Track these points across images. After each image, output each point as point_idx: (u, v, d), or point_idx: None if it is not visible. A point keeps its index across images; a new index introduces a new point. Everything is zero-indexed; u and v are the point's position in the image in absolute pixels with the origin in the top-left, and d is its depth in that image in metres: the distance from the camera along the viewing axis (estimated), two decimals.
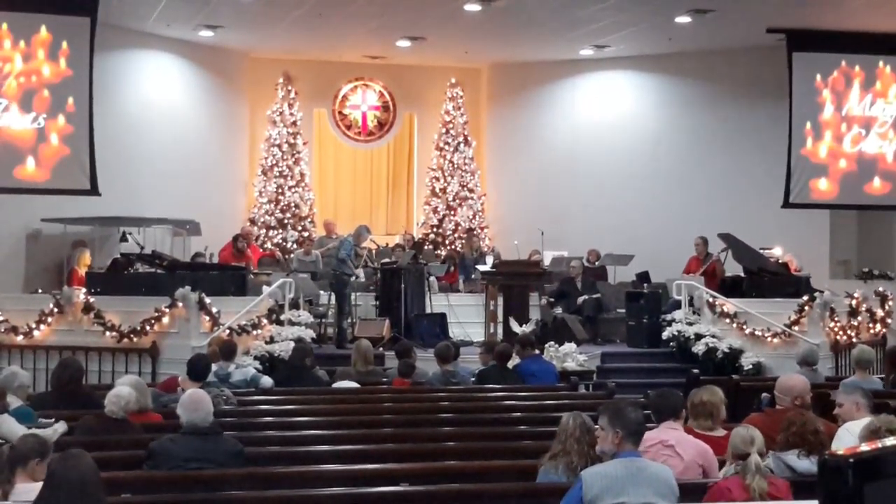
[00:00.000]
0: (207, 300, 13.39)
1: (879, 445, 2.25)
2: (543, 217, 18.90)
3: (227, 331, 13.23)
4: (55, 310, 13.93)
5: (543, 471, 6.11)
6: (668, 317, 15.42)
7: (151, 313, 13.41)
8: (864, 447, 2.28)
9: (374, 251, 17.67)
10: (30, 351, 13.78)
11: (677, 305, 15.51)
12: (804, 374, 9.56)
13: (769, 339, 14.43)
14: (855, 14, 16.71)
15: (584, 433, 6.00)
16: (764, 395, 9.69)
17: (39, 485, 5.28)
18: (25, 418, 7.73)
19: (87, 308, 13.72)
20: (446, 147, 20.98)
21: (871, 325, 15.43)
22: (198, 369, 9.51)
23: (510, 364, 11.81)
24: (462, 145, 20.99)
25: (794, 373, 8.76)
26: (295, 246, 19.39)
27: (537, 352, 12.32)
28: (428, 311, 16.18)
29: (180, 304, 13.35)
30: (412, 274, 15.99)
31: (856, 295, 15.35)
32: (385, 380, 11.35)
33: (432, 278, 17.17)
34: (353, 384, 10.82)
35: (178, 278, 13.94)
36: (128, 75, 18.12)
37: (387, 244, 19.07)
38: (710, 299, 15.11)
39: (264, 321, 14.02)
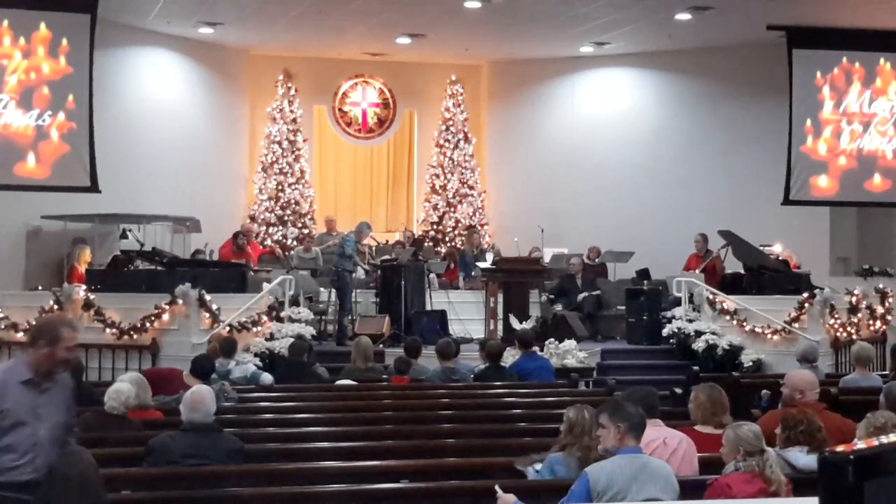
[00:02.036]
0: (207, 297, 13.39)
1: (880, 442, 2.25)
2: (543, 214, 18.90)
3: (228, 328, 13.23)
4: (55, 307, 13.93)
5: (553, 461, 6.18)
6: (668, 314, 15.41)
7: (151, 310, 13.41)
8: (864, 444, 2.28)
9: (374, 248, 17.67)
10: None
11: (677, 302, 15.51)
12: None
13: (769, 336, 14.43)
14: (855, 11, 16.71)
15: (593, 426, 6.01)
16: (764, 391, 9.70)
17: None
18: None
19: (88, 305, 13.72)
20: (446, 144, 20.97)
21: (870, 321, 15.43)
22: (202, 368, 9.53)
23: (510, 361, 11.83)
24: (462, 142, 20.98)
25: (799, 369, 8.74)
26: (295, 243, 19.39)
27: (535, 349, 12.32)
28: (428, 308, 16.19)
29: (180, 301, 13.35)
30: (412, 271, 15.98)
31: (856, 292, 15.35)
32: (385, 377, 11.35)
33: (432, 275, 17.17)
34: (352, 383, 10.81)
35: (178, 275, 13.93)
36: (128, 72, 18.11)
37: (387, 241, 19.08)
38: (711, 296, 15.11)
39: (264, 318, 14.02)
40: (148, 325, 13.39)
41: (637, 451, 5.43)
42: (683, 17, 17.03)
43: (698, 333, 14.65)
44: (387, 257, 16.63)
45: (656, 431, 6.26)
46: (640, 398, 6.45)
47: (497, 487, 5.50)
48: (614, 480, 5.25)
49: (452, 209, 20.75)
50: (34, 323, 5.69)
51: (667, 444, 6.20)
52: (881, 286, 16.05)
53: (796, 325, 14.35)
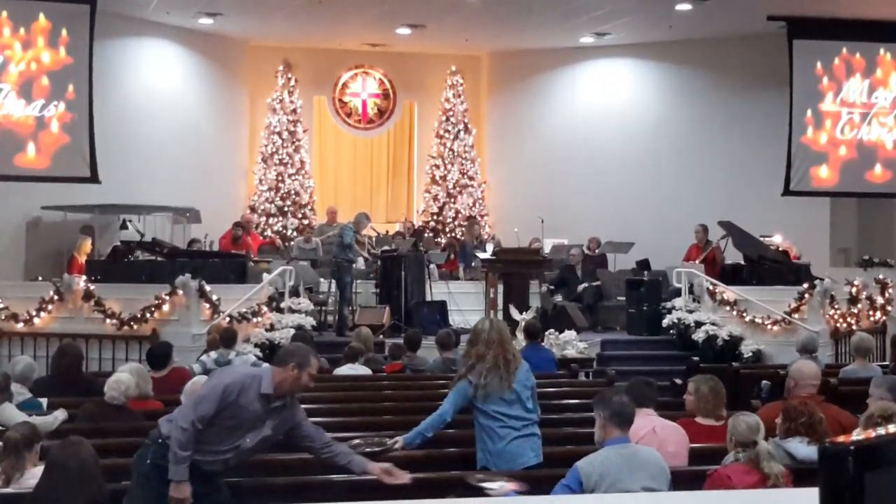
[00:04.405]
0: (207, 288, 13.39)
1: (881, 432, 2.25)
2: (543, 205, 18.89)
3: (228, 318, 13.23)
4: (55, 297, 13.93)
5: (463, 386, 6.49)
6: (668, 304, 15.41)
7: (152, 301, 13.40)
8: (864, 435, 2.27)
9: (373, 239, 17.67)
10: (30, 338, 13.79)
11: (677, 293, 15.51)
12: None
13: (769, 326, 14.43)
14: (855, 1, 16.70)
15: (502, 337, 6.57)
16: (764, 382, 9.70)
17: (34, 471, 5.31)
18: (33, 409, 7.78)
19: (88, 296, 13.72)
20: (446, 135, 20.97)
21: (871, 312, 15.44)
22: (156, 358, 9.54)
23: None
24: (462, 133, 20.97)
25: (800, 360, 8.73)
26: (295, 234, 19.40)
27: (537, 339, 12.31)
28: (428, 298, 16.18)
29: (180, 292, 13.35)
30: (412, 262, 15.98)
31: (856, 282, 15.36)
32: (383, 367, 11.34)
33: (432, 266, 17.17)
34: (363, 369, 10.78)
35: (179, 266, 13.94)
36: (127, 63, 18.09)
37: (387, 232, 19.07)
38: (711, 287, 15.10)
39: (264, 309, 14.03)
40: (148, 315, 13.38)
41: (624, 441, 5.46)
42: (684, 7, 17.02)
43: (698, 324, 14.64)
44: (387, 248, 16.63)
45: (647, 420, 6.28)
46: (631, 386, 6.49)
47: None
48: (607, 471, 5.29)
49: (452, 200, 20.75)
50: (286, 345, 5.98)
51: (656, 433, 6.21)
52: (881, 277, 16.06)
53: (796, 315, 14.34)
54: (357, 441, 6.55)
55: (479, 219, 20.27)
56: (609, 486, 5.25)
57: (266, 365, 6.18)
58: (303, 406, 8.88)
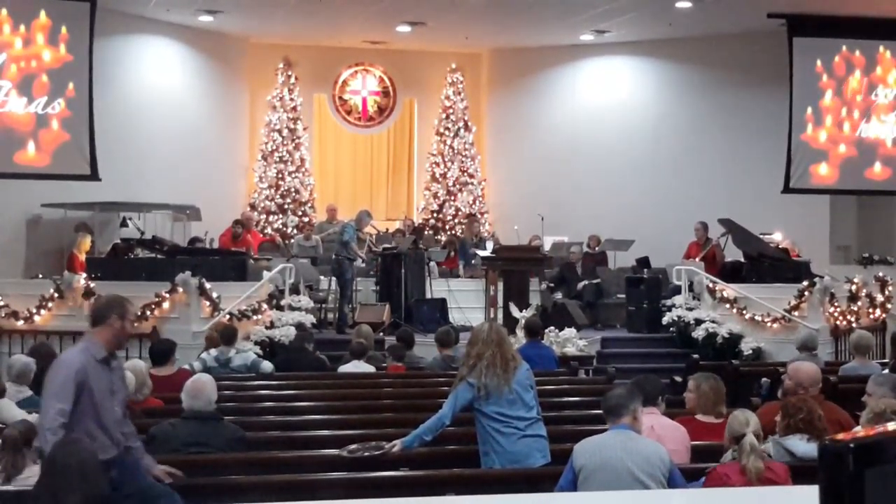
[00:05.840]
0: (208, 285, 13.40)
1: (880, 429, 2.25)
2: (543, 202, 18.88)
3: (228, 316, 13.23)
4: (56, 295, 13.94)
5: (463, 388, 6.50)
6: (668, 302, 15.41)
7: (152, 298, 13.39)
8: (864, 432, 2.28)
9: (374, 236, 17.66)
10: (30, 336, 13.78)
11: (677, 291, 15.50)
12: (805, 359, 9.53)
13: (769, 324, 14.43)
14: None
15: (501, 338, 6.60)
16: (764, 380, 9.70)
17: (34, 469, 5.31)
18: (35, 407, 7.78)
19: (88, 293, 13.71)
20: (446, 132, 20.96)
21: (870, 310, 15.43)
22: (158, 355, 9.54)
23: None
24: (462, 130, 20.96)
25: (801, 360, 8.71)
26: (295, 231, 19.40)
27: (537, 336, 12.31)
28: (428, 296, 16.19)
29: (181, 290, 13.35)
30: (412, 259, 15.99)
31: (856, 280, 15.35)
32: (384, 365, 11.34)
33: (432, 263, 17.16)
34: (367, 367, 10.78)
35: (179, 263, 13.93)
36: (128, 60, 18.08)
37: (387, 229, 19.07)
38: (710, 284, 15.11)
39: (264, 306, 14.02)
40: (148, 313, 13.37)
41: (621, 428, 5.58)
42: (684, 5, 17.00)
43: (698, 322, 14.64)
44: (387, 246, 16.63)
45: (647, 419, 6.28)
46: (635, 383, 6.51)
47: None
48: (595, 450, 5.45)
49: (452, 197, 20.75)
50: (95, 303, 5.95)
51: (654, 431, 6.22)
52: (881, 274, 16.04)
53: (796, 313, 14.34)
54: (354, 445, 6.55)
55: (479, 216, 20.27)
56: (598, 463, 5.39)
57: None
58: (304, 404, 8.94)
